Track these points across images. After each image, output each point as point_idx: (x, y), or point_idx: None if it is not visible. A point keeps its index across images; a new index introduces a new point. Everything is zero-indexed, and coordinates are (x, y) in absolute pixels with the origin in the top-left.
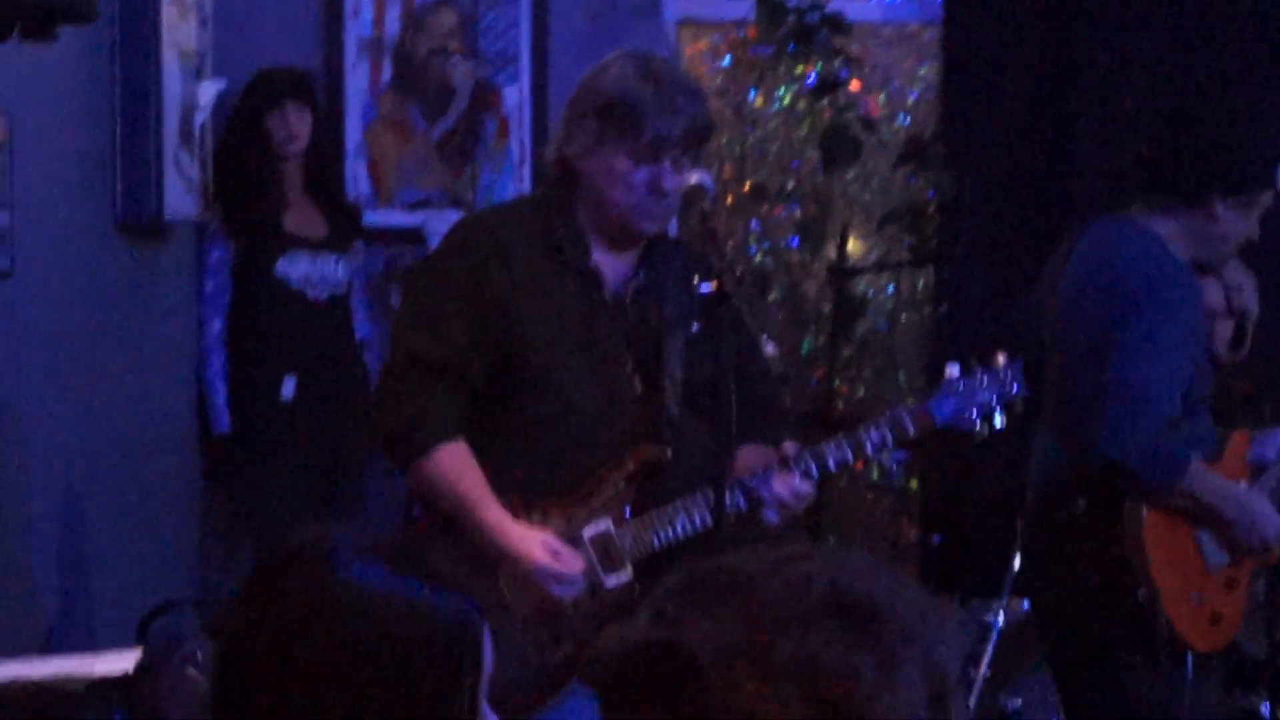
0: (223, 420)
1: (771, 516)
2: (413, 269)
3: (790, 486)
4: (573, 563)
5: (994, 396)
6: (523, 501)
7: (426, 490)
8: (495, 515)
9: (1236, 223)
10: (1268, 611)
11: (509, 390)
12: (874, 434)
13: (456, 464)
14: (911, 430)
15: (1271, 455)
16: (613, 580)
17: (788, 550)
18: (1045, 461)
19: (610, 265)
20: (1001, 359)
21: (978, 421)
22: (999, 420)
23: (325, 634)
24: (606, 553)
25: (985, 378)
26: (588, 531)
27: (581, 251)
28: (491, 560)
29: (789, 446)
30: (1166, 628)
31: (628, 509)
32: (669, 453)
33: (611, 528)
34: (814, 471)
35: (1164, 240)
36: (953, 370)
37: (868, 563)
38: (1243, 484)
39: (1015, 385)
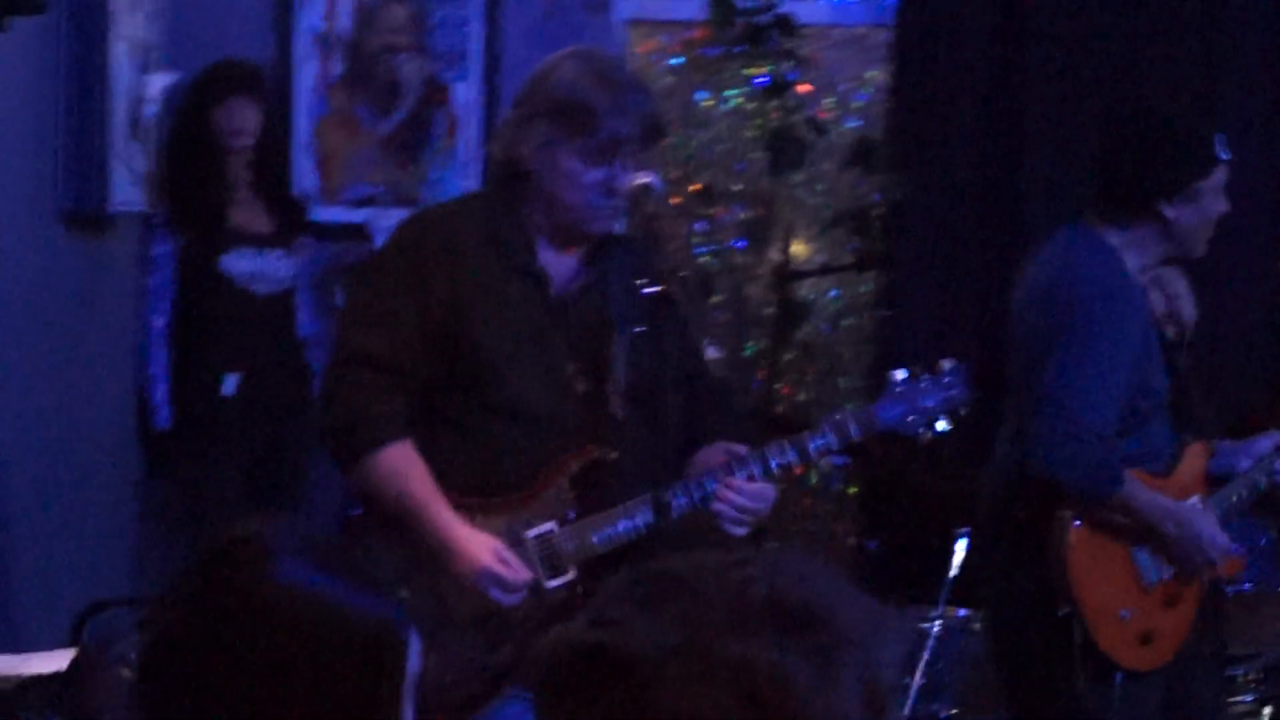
0: (163, 416)
1: (738, 531)
2: (361, 265)
3: (757, 492)
4: (519, 571)
5: (938, 401)
6: (467, 501)
7: (372, 489)
8: (444, 516)
9: (1194, 214)
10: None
11: (455, 389)
12: (818, 438)
13: (404, 463)
14: (856, 434)
15: (1245, 465)
16: (555, 582)
17: (729, 554)
18: (998, 468)
19: (557, 265)
20: (946, 364)
21: (921, 426)
22: (943, 425)
23: (254, 632)
24: (550, 554)
25: (929, 383)
26: (531, 532)
27: (528, 252)
28: (435, 561)
29: (738, 448)
30: (1085, 644)
31: (572, 510)
32: (613, 454)
33: (555, 529)
34: (757, 474)
35: (1117, 250)
36: (897, 374)
37: (808, 567)
38: (1194, 499)
39: (959, 390)
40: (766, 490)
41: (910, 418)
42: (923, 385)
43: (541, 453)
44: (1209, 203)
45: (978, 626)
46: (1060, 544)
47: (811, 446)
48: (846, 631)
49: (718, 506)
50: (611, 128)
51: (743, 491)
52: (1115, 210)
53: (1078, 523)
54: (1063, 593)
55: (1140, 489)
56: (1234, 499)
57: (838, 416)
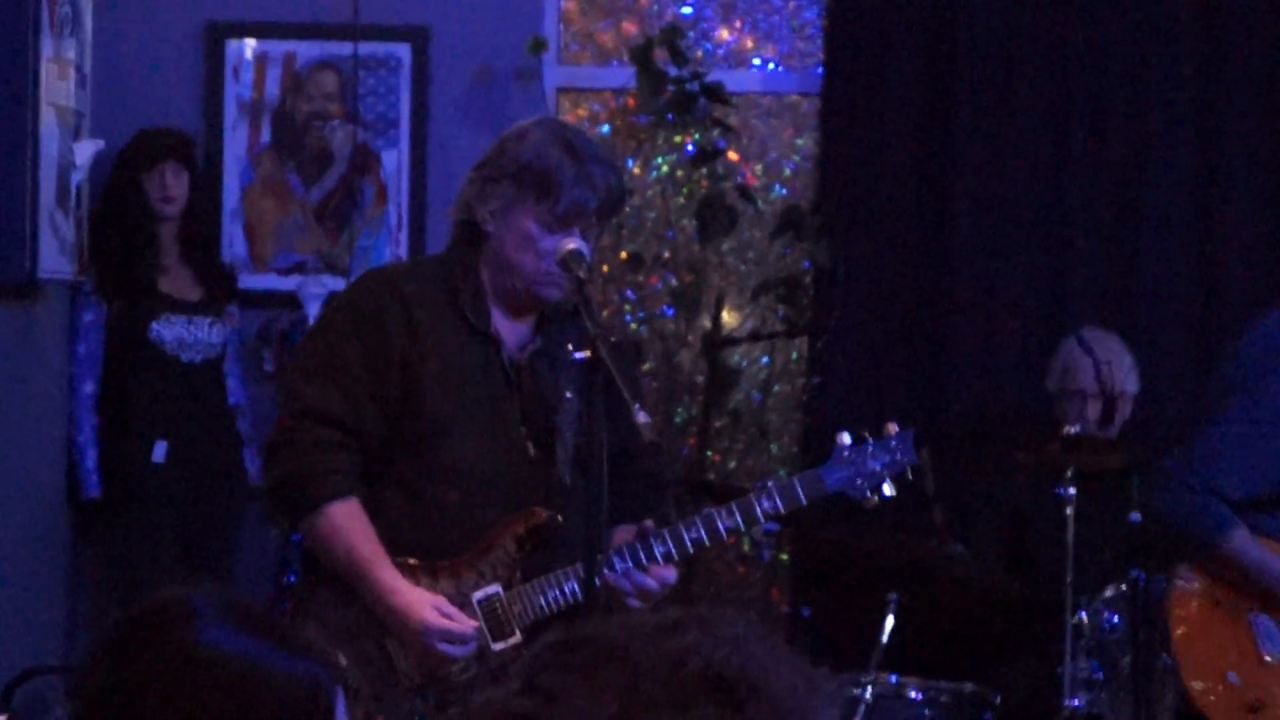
0: (92, 484)
1: (634, 604)
2: (318, 315)
3: (660, 577)
4: (464, 621)
5: (884, 465)
6: (411, 563)
7: (317, 545)
8: (388, 575)
9: None
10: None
11: (403, 449)
12: (764, 500)
13: (349, 521)
14: (802, 498)
15: None
16: (501, 645)
17: (663, 619)
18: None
19: (510, 330)
20: (893, 428)
21: (868, 490)
22: (889, 490)
23: (178, 696)
24: (495, 617)
25: (875, 446)
26: (477, 595)
27: (483, 315)
28: (379, 622)
29: (648, 525)
30: (1178, 698)
31: (518, 573)
32: (559, 518)
33: (501, 592)
34: (689, 548)
35: None
36: (844, 438)
37: (743, 633)
38: None
39: (905, 455)
40: (671, 578)
41: (858, 481)
42: (869, 449)
43: (488, 516)
44: None
45: (909, 693)
46: (1165, 596)
47: (757, 510)
48: (783, 701)
49: (621, 582)
50: (573, 196)
51: (659, 578)
52: None
53: (1183, 580)
54: (1164, 644)
55: (1254, 548)
56: None
57: (784, 480)
